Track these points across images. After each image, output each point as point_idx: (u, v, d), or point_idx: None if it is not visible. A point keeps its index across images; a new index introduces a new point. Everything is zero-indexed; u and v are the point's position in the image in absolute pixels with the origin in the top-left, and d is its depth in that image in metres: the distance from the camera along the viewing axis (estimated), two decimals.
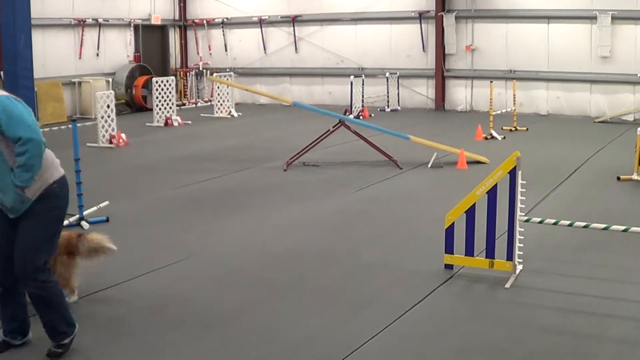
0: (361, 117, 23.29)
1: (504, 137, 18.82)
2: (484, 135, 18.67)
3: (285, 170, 14.08)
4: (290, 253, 8.68)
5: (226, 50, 30.42)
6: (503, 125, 20.39)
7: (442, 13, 26.48)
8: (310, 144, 14.76)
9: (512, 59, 25.86)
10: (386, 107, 26.49)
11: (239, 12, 29.63)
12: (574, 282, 7.68)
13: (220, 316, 6.67)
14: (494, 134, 18.76)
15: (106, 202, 10.49)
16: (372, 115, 24.23)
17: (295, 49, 29.27)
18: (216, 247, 8.97)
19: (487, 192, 7.39)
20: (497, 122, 19.68)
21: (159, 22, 29.03)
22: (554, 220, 7.77)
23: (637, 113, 24.03)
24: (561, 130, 20.99)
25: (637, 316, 6.68)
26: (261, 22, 29.34)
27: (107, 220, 10.16)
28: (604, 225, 7.68)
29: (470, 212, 7.49)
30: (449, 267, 7.83)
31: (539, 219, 7.87)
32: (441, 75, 26.90)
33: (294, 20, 28.91)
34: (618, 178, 13.28)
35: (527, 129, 20.67)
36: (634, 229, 7.60)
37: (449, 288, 7.37)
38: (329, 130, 14.77)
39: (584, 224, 7.70)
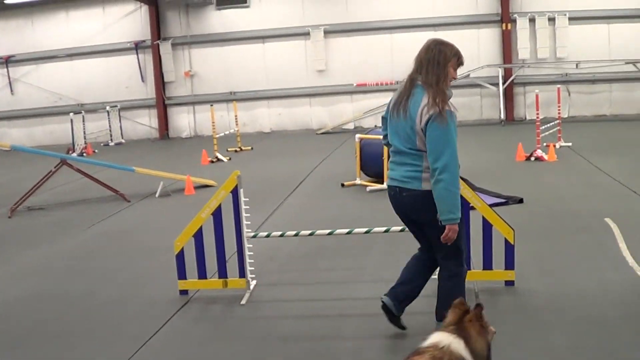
0: (85, 154, 22.74)
1: (230, 159, 19.11)
2: (210, 159, 18.86)
3: (10, 217, 13.42)
4: (23, 302, 8.22)
5: None
6: (228, 146, 20.72)
7: (158, 41, 26.51)
8: (33, 187, 14.19)
9: (231, 80, 26.37)
10: (110, 142, 26.09)
11: None
12: (308, 289, 7.93)
13: None
14: (220, 156, 19.00)
15: None
16: (96, 151, 23.78)
17: (11, 90, 28.14)
18: None
19: (212, 214, 7.43)
20: (222, 144, 19.95)
21: None
22: (280, 233, 7.96)
23: (356, 121, 25.22)
24: (285, 146, 21.64)
25: (369, 311, 6.99)
26: None
27: None
28: (328, 231, 7.98)
29: (198, 236, 7.50)
30: (184, 292, 7.79)
31: (265, 233, 8.03)
32: (162, 104, 26.92)
33: (7, 61, 27.78)
34: (342, 185, 13.86)
35: (252, 148, 21.14)
36: (357, 230, 7.96)
37: (186, 313, 7.34)
38: (51, 171, 14.28)
39: (309, 232, 7.94)
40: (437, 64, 5.60)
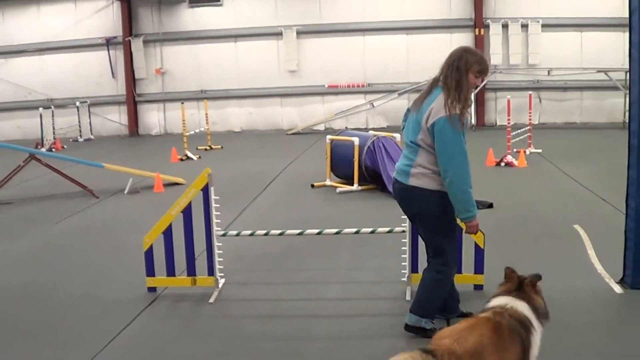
0: (54, 150, 22.53)
1: (200, 157, 19.03)
2: (180, 157, 18.77)
3: None
4: None
5: None
6: (198, 145, 20.63)
7: (130, 38, 26.31)
8: (1, 182, 14.03)
9: (203, 79, 26.24)
10: (79, 137, 25.86)
11: None
12: (277, 289, 7.90)
13: None
14: (190, 154, 18.92)
15: None
16: (65, 146, 23.54)
17: None
18: None
19: (182, 211, 7.36)
20: (192, 142, 19.85)
21: None
22: (250, 232, 7.92)
23: (327, 122, 25.19)
24: (255, 145, 21.59)
25: (337, 313, 7.02)
26: None
27: None
28: (298, 231, 7.95)
29: (168, 233, 7.43)
30: (152, 289, 7.73)
31: (235, 232, 7.99)
32: (133, 101, 26.74)
33: None
34: (312, 185, 13.83)
35: (222, 147, 21.06)
36: (327, 231, 7.94)
37: (154, 310, 7.27)
38: (19, 165, 14.13)
39: (279, 231, 7.90)
40: (457, 70, 5.80)
